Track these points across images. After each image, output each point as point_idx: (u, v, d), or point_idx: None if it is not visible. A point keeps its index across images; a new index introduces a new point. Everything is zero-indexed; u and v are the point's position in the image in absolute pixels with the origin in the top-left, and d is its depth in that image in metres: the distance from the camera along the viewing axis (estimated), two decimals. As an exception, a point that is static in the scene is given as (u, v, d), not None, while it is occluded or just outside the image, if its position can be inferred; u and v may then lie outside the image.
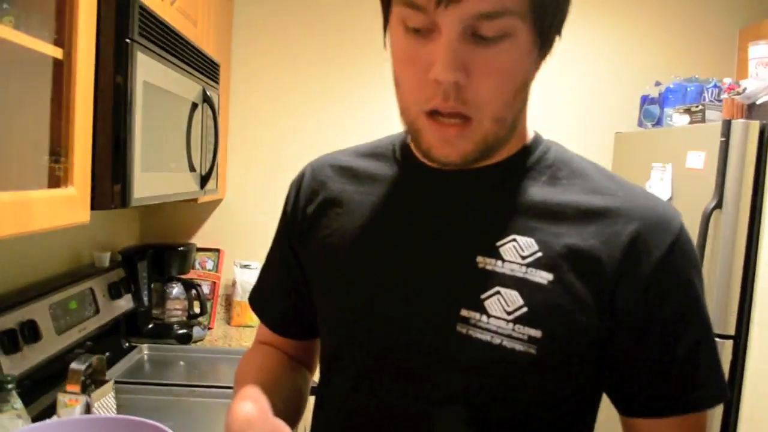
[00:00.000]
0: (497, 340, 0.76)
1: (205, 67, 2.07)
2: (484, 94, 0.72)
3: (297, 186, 1.00)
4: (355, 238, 0.88)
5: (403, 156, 0.91)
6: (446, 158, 0.77)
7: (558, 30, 0.77)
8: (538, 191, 0.82)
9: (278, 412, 0.80)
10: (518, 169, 0.84)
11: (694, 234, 1.96)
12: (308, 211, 0.95)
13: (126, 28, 1.43)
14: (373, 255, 0.86)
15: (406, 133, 0.82)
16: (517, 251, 0.78)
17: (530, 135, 0.87)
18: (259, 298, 1.08)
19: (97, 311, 2.04)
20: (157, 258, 2.55)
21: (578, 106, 2.86)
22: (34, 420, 1.37)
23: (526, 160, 0.84)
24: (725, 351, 1.98)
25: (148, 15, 1.53)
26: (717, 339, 0.83)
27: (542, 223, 0.79)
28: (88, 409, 1.34)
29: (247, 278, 2.79)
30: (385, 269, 0.84)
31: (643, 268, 0.76)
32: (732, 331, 1.97)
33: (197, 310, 2.61)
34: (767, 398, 1.97)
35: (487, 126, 0.75)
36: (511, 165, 0.84)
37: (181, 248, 2.61)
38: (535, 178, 0.83)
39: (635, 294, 0.76)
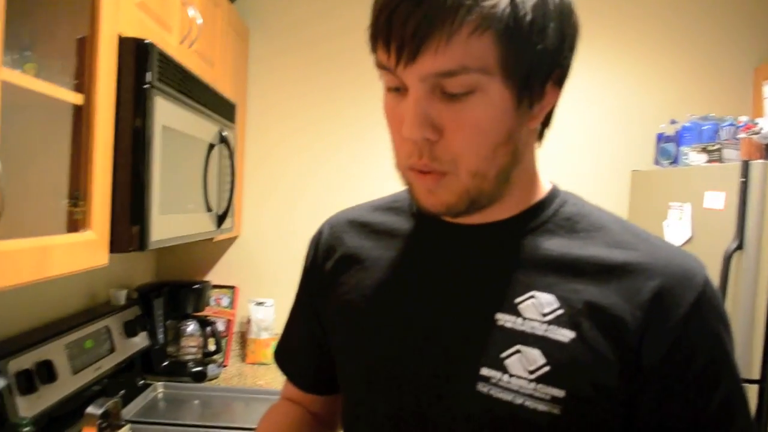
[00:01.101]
0: (519, 400, 0.74)
1: (222, 108, 2.09)
2: (455, 150, 0.72)
3: (315, 243, 1.00)
4: (373, 295, 0.87)
5: (419, 210, 0.91)
6: (432, 208, 0.77)
7: (545, 81, 0.74)
8: (556, 245, 0.80)
9: None
10: (534, 222, 0.83)
11: (715, 275, 1.93)
12: (326, 267, 0.95)
13: (145, 74, 1.45)
14: (391, 312, 0.85)
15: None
16: (537, 308, 0.77)
17: (546, 187, 0.86)
18: (283, 354, 1.08)
19: (113, 350, 2.05)
20: (172, 295, 2.56)
21: (593, 144, 2.85)
22: (49, 464, 1.36)
23: (543, 213, 0.83)
24: (750, 396, 1.93)
25: (166, 60, 1.55)
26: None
27: (561, 278, 0.78)
28: (102, 453, 1.34)
29: (262, 316, 2.78)
30: (403, 327, 0.83)
31: (668, 325, 0.74)
32: (757, 375, 1.93)
33: (212, 347, 2.61)
34: (792, 443, 1.93)
35: (465, 180, 0.74)
36: (527, 218, 0.83)
37: (197, 286, 2.62)
38: (552, 231, 0.82)
39: (661, 352, 0.74)
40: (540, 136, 0.82)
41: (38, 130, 1.36)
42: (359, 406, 0.88)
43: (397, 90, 0.74)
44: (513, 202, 0.82)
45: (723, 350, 0.76)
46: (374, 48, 0.73)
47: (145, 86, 1.45)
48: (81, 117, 1.33)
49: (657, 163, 2.61)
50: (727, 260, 1.93)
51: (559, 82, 0.76)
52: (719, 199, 2.02)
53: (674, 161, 2.47)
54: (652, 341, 0.74)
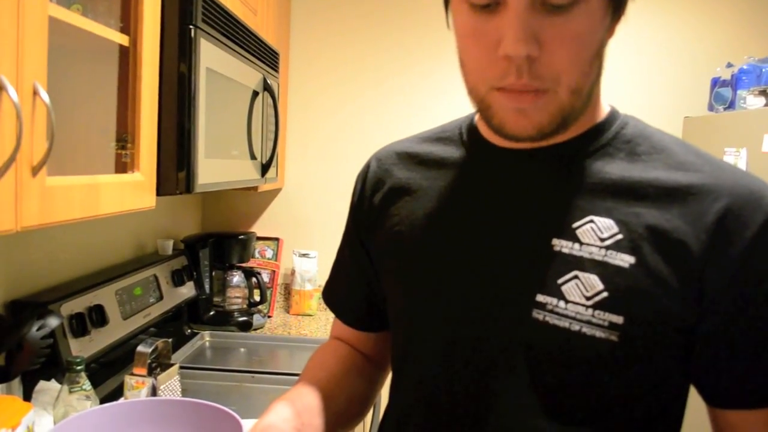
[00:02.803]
0: (576, 327, 0.73)
1: (266, 56, 2.08)
2: (559, 66, 0.69)
3: (363, 177, 0.98)
4: (424, 225, 0.85)
5: (470, 138, 0.88)
6: (521, 132, 0.73)
7: None
8: (615, 168, 0.77)
9: (320, 415, 0.85)
10: (594, 145, 0.80)
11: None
12: (375, 200, 0.93)
13: (189, 14, 1.44)
14: (443, 241, 0.83)
15: (476, 111, 0.79)
16: (596, 233, 0.74)
17: (606, 109, 0.83)
18: (331, 293, 1.08)
19: (161, 298, 2.08)
20: (218, 246, 2.59)
21: (644, 90, 2.77)
22: (102, 401, 1.40)
23: (602, 135, 0.80)
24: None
25: (210, 2, 1.54)
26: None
27: (621, 202, 0.75)
28: (154, 391, 1.36)
29: (306, 267, 2.80)
30: (456, 255, 0.81)
31: (734, 249, 0.71)
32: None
33: (257, 298, 2.64)
34: None
35: (564, 98, 0.71)
36: (586, 141, 0.80)
37: (242, 237, 2.64)
38: (612, 154, 0.79)
39: (726, 276, 0.71)
40: None
41: (86, 71, 1.36)
42: (411, 339, 0.87)
43: (486, 7, 0.69)
44: (577, 123, 0.78)
45: None
46: None
47: (190, 27, 1.43)
48: (127, 59, 1.32)
49: (711, 108, 2.53)
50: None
51: None
52: (778, 142, 1.94)
53: (729, 106, 2.38)
54: (717, 266, 0.71)
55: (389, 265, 0.91)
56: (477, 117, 0.89)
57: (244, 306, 2.61)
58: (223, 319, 2.51)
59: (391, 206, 0.91)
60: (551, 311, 0.74)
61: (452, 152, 0.89)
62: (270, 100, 2.13)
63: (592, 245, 0.74)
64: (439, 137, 0.93)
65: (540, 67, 0.68)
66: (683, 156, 0.77)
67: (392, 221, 0.90)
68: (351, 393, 0.96)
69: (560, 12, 0.67)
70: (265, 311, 2.72)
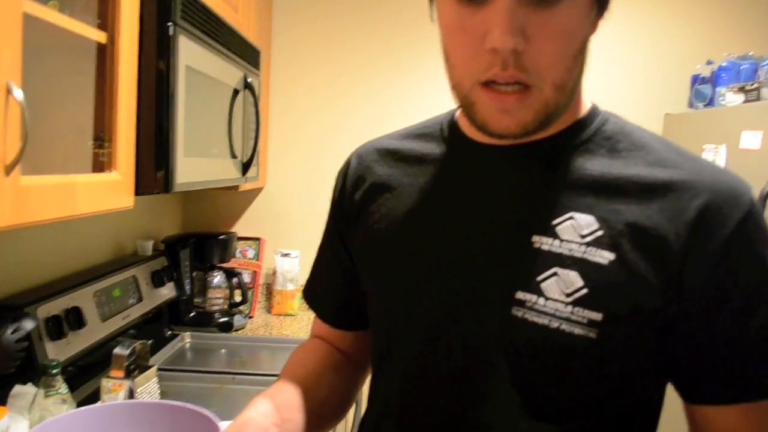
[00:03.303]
0: (555, 324, 0.72)
1: (247, 54, 2.06)
2: (544, 60, 0.68)
3: (344, 173, 0.97)
4: (405, 221, 0.85)
5: (451, 134, 0.88)
6: (504, 129, 0.73)
7: None
8: (596, 164, 0.77)
9: (300, 410, 0.84)
10: (574, 141, 0.79)
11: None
12: (356, 197, 0.93)
13: (169, 11, 1.42)
14: (424, 237, 0.82)
15: (460, 107, 0.78)
16: (576, 230, 0.74)
17: (587, 106, 0.83)
18: (311, 291, 1.07)
19: (140, 299, 2.05)
20: (198, 246, 2.56)
21: (626, 86, 2.78)
22: (79, 405, 1.37)
23: (583, 131, 0.80)
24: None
25: (189, -2, 1.52)
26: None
27: (601, 199, 0.75)
28: (131, 394, 1.34)
29: (288, 267, 2.78)
30: (436, 251, 0.81)
31: (712, 244, 0.71)
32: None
33: (238, 298, 2.62)
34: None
35: (548, 93, 0.71)
36: (567, 137, 0.80)
37: (223, 237, 2.62)
38: (592, 151, 0.79)
39: (705, 272, 0.71)
40: None
41: (63, 69, 1.34)
42: (390, 337, 0.87)
43: (472, 0, 0.68)
44: (558, 119, 0.78)
45: (767, 272, 0.73)
46: None
47: (169, 24, 1.41)
48: (105, 56, 1.30)
49: (691, 105, 2.55)
50: (764, 200, 1.88)
51: None
52: (756, 139, 1.96)
53: (709, 103, 2.40)
54: (695, 262, 0.71)
55: (369, 262, 0.90)
56: (458, 113, 0.88)
57: (225, 307, 2.59)
58: (204, 320, 2.49)
59: (371, 203, 0.90)
60: (531, 308, 0.73)
61: (433, 148, 0.88)
62: (251, 99, 2.11)
63: (572, 242, 0.74)
64: (420, 133, 0.92)
65: (525, 61, 0.68)
66: (663, 153, 0.77)
67: (373, 218, 0.89)
68: (331, 390, 0.95)
69: (547, 7, 0.66)
70: (247, 312, 2.70)
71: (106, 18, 1.30)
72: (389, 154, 0.92)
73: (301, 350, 1.03)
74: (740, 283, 0.72)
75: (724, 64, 2.34)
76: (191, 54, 1.54)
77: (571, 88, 0.74)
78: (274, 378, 0.94)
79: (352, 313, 1.01)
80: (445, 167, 0.86)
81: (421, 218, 0.84)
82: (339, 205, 0.97)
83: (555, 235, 0.75)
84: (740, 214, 0.72)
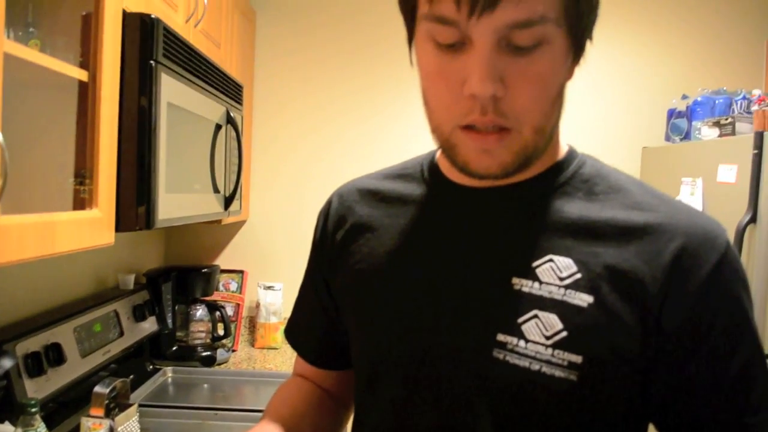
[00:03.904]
0: (536, 366, 0.73)
1: (229, 89, 2.08)
2: (522, 105, 0.69)
3: (325, 213, 0.98)
4: (386, 263, 0.85)
5: (431, 175, 0.88)
6: (485, 170, 0.74)
7: (590, 34, 0.74)
8: (574, 207, 0.78)
9: None
10: (553, 184, 0.81)
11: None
12: (337, 237, 0.93)
13: (150, 49, 1.43)
14: (404, 279, 0.83)
15: (440, 148, 0.79)
16: (555, 272, 0.75)
17: (564, 148, 0.84)
18: (293, 331, 1.07)
19: (122, 334, 2.04)
20: (181, 280, 2.55)
21: (603, 121, 2.83)
22: (59, 445, 1.36)
23: (561, 174, 0.81)
24: (764, 370, 1.91)
25: (172, 37, 1.53)
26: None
27: (580, 241, 0.76)
28: (112, 433, 1.33)
29: (271, 299, 2.78)
30: (417, 293, 0.81)
31: (689, 287, 0.72)
32: (770, 349, 1.92)
33: (221, 332, 2.60)
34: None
35: (527, 137, 0.72)
36: (545, 180, 0.81)
37: (205, 270, 2.61)
38: (570, 194, 0.80)
39: (682, 314, 0.72)
40: None
41: (44, 107, 1.34)
42: (373, 377, 0.86)
43: (452, 46, 0.69)
44: (538, 162, 0.79)
45: (744, 314, 0.74)
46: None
47: (151, 62, 1.43)
48: (86, 94, 1.31)
49: (668, 139, 2.59)
50: (741, 233, 1.91)
51: (591, 36, 0.76)
52: (732, 172, 1.99)
53: (686, 137, 2.44)
54: (673, 304, 0.72)
55: (351, 303, 0.90)
56: (438, 154, 0.89)
57: (208, 340, 2.57)
58: (186, 355, 2.47)
59: (352, 244, 0.90)
60: (512, 350, 0.74)
61: (413, 189, 0.89)
62: (233, 133, 2.12)
63: (551, 284, 0.74)
64: (400, 174, 0.93)
65: (504, 106, 0.69)
66: (639, 196, 0.79)
67: (354, 259, 0.89)
68: (315, 429, 0.95)
69: (524, 53, 0.68)
70: (230, 345, 2.68)
71: (88, 56, 1.31)
72: (370, 195, 0.93)
73: (285, 389, 1.03)
74: (718, 325, 0.72)
75: (699, 98, 2.39)
76: (173, 91, 1.55)
77: (549, 131, 0.75)
78: (258, 414, 0.94)
79: (334, 353, 1.00)
80: (425, 208, 0.86)
81: (402, 260, 0.84)
82: (321, 244, 0.97)
83: (535, 278, 0.75)
84: (716, 257, 0.73)
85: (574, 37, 0.71)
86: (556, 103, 0.74)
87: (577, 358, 0.72)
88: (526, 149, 0.73)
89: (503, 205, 0.80)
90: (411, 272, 0.83)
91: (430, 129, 0.77)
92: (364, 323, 0.87)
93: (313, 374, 1.04)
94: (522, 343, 0.73)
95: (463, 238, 0.81)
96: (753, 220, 1.90)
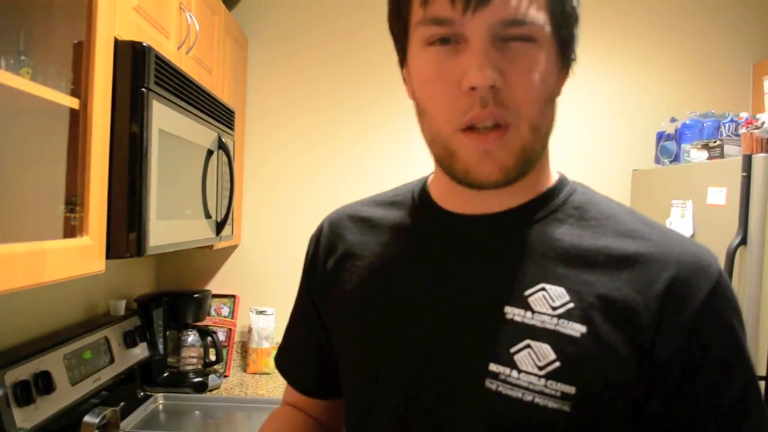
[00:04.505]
0: (529, 397, 0.72)
1: (220, 114, 2.08)
2: (520, 95, 0.71)
3: (316, 240, 0.97)
4: (377, 292, 0.85)
5: (422, 203, 0.88)
6: (487, 177, 0.74)
7: (573, 49, 0.77)
8: (565, 235, 0.78)
9: None
10: (544, 211, 0.81)
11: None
12: (328, 265, 0.93)
13: (142, 77, 1.44)
14: (395, 308, 0.82)
15: (437, 162, 0.79)
16: (547, 301, 0.74)
17: (555, 176, 0.85)
18: (283, 359, 1.06)
19: (112, 360, 2.02)
20: (172, 305, 2.53)
21: (593, 144, 2.85)
22: (48, 475, 1.34)
23: (552, 201, 0.81)
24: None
25: (163, 64, 1.54)
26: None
27: (572, 270, 0.75)
28: (102, 463, 1.31)
29: (263, 324, 2.76)
30: (408, 323, 0.81)
31: (682, 316, 0.72)
32: (763, 372, 1.91)
33: (213, 357, 2.58)
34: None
35: (525, 134, 0.72)
36: (536, 207, 0.81)
37: (197, 295, 2.59)
38: (561, 221, 0.80)
39: (676, 343, 0.72)
40: None
41: (35, 135, 1.35)
42: (363, 407, 0.86)
43: (446, 42, 0.72)
44: (526, 187, 0.80)
45: (737, 342, 0.74)
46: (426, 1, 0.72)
47: (142, 89, 1.43)
48: (77, 122, 1.31)
49: (658, 161, 2.60)
50: (731, 256, 1.91)
51: (575, 53, 0.78)
52: (721, 195, 2.00)
53: (675, 159, 2.46)
54: (666, 334, 0.71)
55: (341, 331, 0.90)
56: (429, 181, 0.89)
57: (200, 366, 2.55)
58: (178, 381, 2.45)
59: (343, 271, 0.90)
60: (504, 381, 0.73)
61: (404, 217, 0.89)
62: (225, 158, 2.12)
63: (544, 314, 0.74)
64: (392, 201, 0.93)
65: (502, 96, 0.70)
66: (630, 224, 0.79)
67: (345, 287, 0.89)
68: None
69: (518, 48, 0.70)
70: (222, 371, 2.66)
71: (79, 84, 1.31)
72: (361, 222, 0.93)
73: (278, 419, 1.02)
74: (712, 354, 0.72)
75: (687, 121, 2.41)
76: (164, 118, 1.56)
77: (543, 135, 0.75)
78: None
79: (325, 382, 1.00)
80: (416, 237, 0.86)
81: (393, 288, 0.84)
82: (311, 272, 0.96)
83: (527, 307, 0.75)
84: (709, 286, 0.73)
85: (559, 45, 0.74)
86: (549, 106, 0.75)
87: (570, 389, 0.71)
88: (524, 150, 0.73)
89: (495, 232, 0.80)
90: (402, 302, 0.82)
91: (428, 141, 0.78)
92: (353, 353, 0.87)
93: (304, 403, 1.03)
94: (515, 373, 0.73)
95: (455, 267, 0.80)
96: (743, 242, 1.91)
